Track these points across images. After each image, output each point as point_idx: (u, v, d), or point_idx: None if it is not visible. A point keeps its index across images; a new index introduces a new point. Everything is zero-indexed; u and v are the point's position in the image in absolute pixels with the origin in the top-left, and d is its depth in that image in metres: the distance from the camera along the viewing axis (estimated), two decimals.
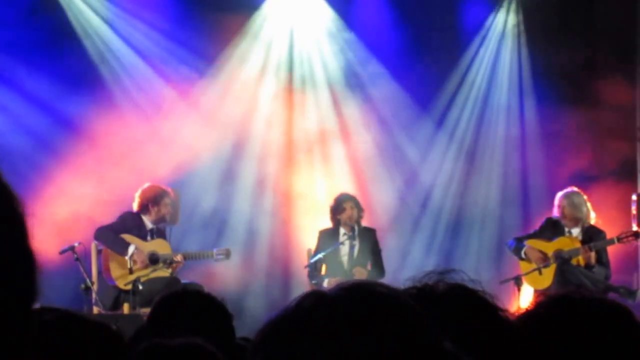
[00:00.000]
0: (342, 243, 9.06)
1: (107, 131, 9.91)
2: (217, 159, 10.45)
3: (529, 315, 1.83)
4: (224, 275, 9.95)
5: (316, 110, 10.88)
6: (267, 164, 10.63)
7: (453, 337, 1.43)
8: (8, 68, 9.73)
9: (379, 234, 9.39)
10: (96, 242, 8.80)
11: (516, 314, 1.86)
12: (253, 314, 9.57)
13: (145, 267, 8.72)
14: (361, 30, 10.94)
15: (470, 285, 1.82)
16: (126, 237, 8.79)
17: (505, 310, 1.81)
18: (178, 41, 10.38)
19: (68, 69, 9.87)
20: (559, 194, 8.97)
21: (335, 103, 10.91)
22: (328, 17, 10.93)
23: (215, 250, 9.20)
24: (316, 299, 1.37)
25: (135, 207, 8.96)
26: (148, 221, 8.94)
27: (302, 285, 9.52)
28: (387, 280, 8.62)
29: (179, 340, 2.17)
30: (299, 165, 10.76)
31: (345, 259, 9.09)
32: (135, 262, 8.68)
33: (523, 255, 8.86)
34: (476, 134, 11.13)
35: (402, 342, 1.33)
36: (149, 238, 8.92)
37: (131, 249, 8.72)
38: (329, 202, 9.36)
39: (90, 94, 9.92)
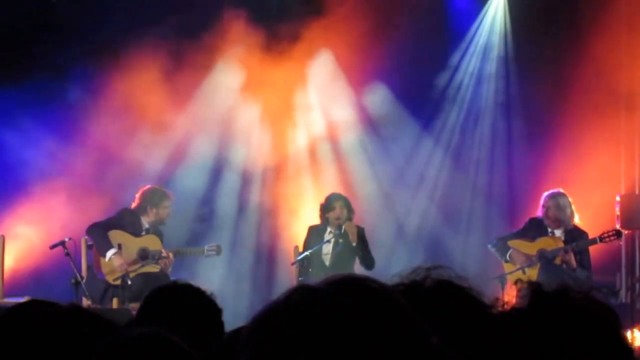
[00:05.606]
0: (329, 241, 8.99)
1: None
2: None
3: (515, 311, 1.83)
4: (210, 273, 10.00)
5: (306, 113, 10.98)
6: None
7: (440, 332, 1.45)
8: None
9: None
10: (86, 237, 8.81)
11: (502, 310, 1.86)
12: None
13: (134, 263, 8.72)
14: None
15: (457, 281, 1.82)
16: (117, 233, 8.77)
17: (492, 306, 1.81)
18: None
19: None
20: (545, 194, 8.99)
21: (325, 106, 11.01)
22: None
23: (206, 247, 9.17)
24: (305, 293, 1.38)
25: (133, 205, 8.95)
26: (145, 221, 8.92)
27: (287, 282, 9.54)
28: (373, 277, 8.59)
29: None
30: (290, 165, 10.84)
31: (327, 257, 9.01)
32: (113, 267, 8.63)
33: (508, 259, 8.89)
34: (462, 133, 11.16)
35: (390, 337, 1.36)
36: (143, 234, 8.91)
37: (109, 254, 8.66)
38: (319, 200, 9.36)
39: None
